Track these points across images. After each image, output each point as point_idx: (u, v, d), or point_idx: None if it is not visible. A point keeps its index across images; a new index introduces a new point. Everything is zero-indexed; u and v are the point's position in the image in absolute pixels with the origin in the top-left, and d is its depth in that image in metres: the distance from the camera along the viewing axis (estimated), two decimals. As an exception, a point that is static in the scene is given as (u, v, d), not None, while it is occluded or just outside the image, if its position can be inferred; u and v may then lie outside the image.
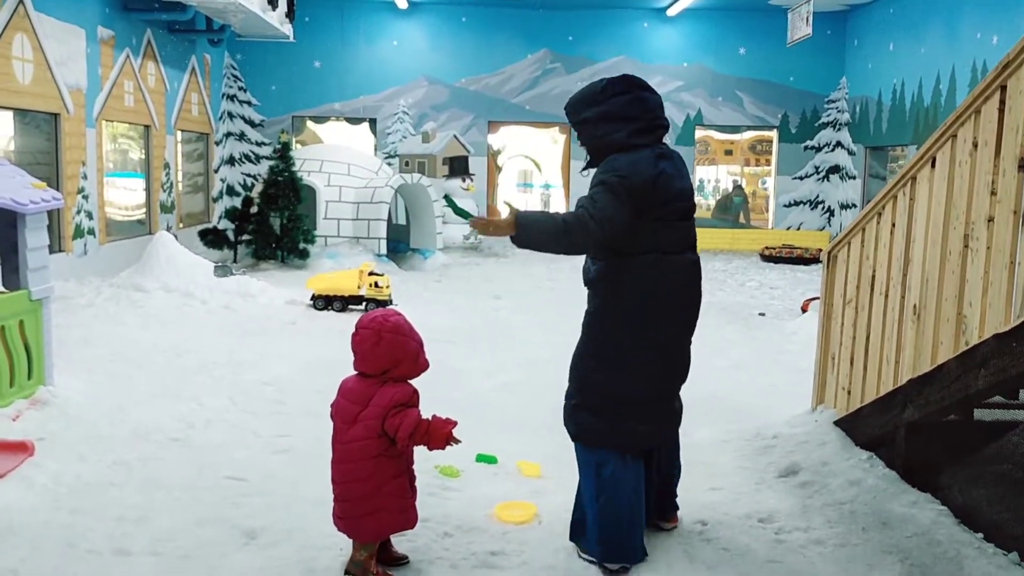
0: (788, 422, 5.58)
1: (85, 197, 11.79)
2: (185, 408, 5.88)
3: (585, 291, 3.88)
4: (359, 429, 3.43)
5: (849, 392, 5.15)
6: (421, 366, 3.52)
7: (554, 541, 3.97)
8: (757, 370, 7.63)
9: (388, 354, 3.44)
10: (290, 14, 15.38)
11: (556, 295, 11.48)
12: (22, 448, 4.60)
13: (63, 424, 5.33)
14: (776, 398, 6.51)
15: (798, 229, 18.60)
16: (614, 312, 3.68)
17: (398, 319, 3.51)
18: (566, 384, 3.91)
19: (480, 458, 5.06)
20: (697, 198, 19.47)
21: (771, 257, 16.48)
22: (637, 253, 3.61)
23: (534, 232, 3.54)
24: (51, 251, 10.76)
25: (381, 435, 3.42)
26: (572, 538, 3.90)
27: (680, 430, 4.11)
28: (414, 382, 3.58)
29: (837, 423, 5.16)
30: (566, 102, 3.90)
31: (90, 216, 11.98)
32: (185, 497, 4.41)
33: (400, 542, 3.79)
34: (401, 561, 3.69)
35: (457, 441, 3.46)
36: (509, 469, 4.98)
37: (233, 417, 5.78)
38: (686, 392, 4.07)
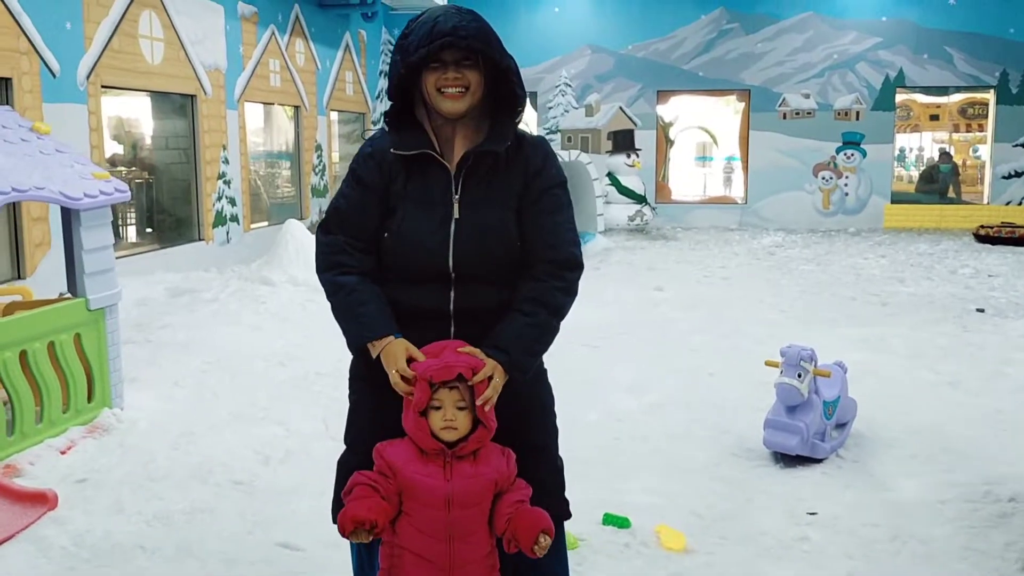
0: (1032, 477, 4.10)
1: (227, 182, 11.33)
2: (266, 434, 5.01)
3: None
4: None
5: None
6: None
7: None
8: (977, 389, 6.04)
9: None
10: (445, -17, 14.52)
11: (729, 288, 10.00)
12: (41, 500, 3.80)
13: (116, 459, 4.54)
14: (1006, 432, 5.05)
15: (1020, 204, 16.46)
16: None
17: None
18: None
19: (608, 519, 3.95)
20: (898, 169, 17.78)
21: (987, 237, 14.50)
22: None
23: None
24: (189, 240, 10.56)
25: None
26: None
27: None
28: None
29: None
30: (479, 30, 2.41)
31: (233, 202, 11.52)
32: (221, 573, 3.49)
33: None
34: None
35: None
36: (644, 537, 3.82)
37: (318, 448, 4.82)
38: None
